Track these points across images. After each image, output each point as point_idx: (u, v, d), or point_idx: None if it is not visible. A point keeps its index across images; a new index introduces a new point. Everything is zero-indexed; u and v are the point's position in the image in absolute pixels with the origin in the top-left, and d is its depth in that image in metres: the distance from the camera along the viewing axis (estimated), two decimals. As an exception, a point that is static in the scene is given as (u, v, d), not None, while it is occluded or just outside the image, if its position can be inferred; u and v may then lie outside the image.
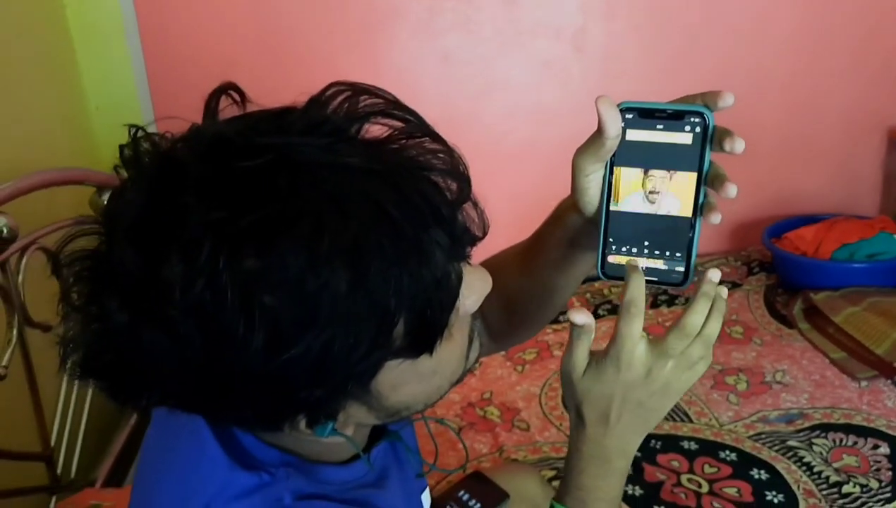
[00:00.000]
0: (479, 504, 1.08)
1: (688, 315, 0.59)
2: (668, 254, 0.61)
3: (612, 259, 0.62)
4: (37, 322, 1.27)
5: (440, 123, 2.15)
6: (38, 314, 1.27)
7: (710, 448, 1.53)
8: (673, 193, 0.60)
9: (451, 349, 0.54)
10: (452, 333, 0.53)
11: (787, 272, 2.19)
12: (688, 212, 0.60)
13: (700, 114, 0.58)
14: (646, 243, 0.61)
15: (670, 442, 1.56)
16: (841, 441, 1.52)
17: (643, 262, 0.62)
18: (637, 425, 0.63)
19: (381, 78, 2.51)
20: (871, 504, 1.34)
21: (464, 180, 0.51)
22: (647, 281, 0.61)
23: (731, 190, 0.59)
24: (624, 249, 0.62)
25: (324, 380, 0.45)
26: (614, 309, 2.17)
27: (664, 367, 0.59)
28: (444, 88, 2.23)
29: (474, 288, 0.54)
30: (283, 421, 0.50)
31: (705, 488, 1.41)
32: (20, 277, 1.23)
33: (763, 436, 1.55)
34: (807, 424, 1.58)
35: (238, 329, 0.41)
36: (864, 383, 1.71)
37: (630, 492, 1.41)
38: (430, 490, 1.26)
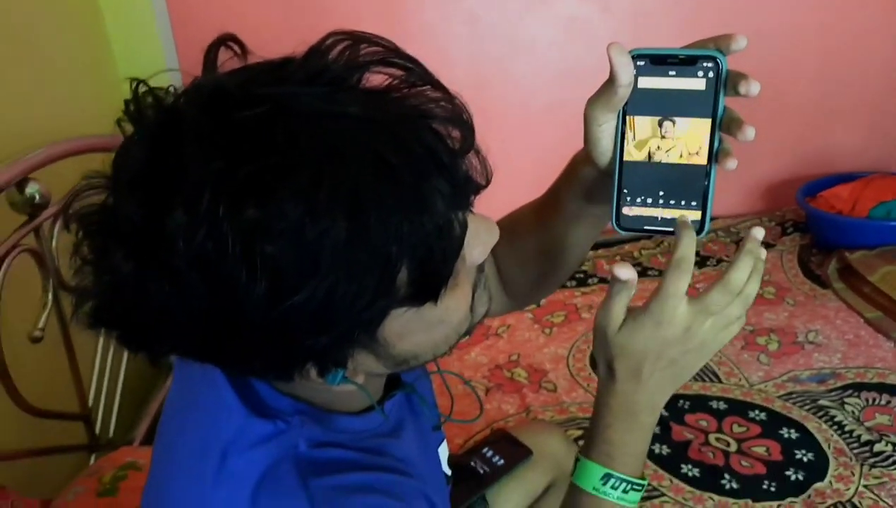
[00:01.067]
0: (502, 461, 1.09)
1: (732, 271, 0.57)
2: (683, 203, 0.59)
3: (626, 211, 0.60)
4: (71, 286, 1.31)
5: (468, 84, 2.14)
6: (68, 279, 1.31)
7: (739, 408, 1.52)
8: (687, 141, 0.58)
9: (458, 299, 0.54)
10: (459, 282, 0.53)
11: (821, 231, 2.15)
12: (703, 160, 0.58)
13: (713, 59, 0.56)
14: (661, 193, 0.59)
15: (699, 402, 1.55)
16: (874, 400, 1.50)
17: (659, 213, 0.60)
18: (668, 382, 0.63)
19: (408, 39, 2.49)
20: (903, 462, 1.32)
21: (466, 128, 0.50)
22: (664, 233, 0.60)
23: (749, 132, 0.56)
24: (639, 200, 0.60)
25: (329, 328, 0.46)
26: (644, 272, 2.16)
27: (703, 324, 0.58)
28: (472, 49, 2.21)
29: (480, 239, 0.54)
30: (293, 369, 0.50)
31: (734, 447, 1.41)
32: (54, 242, 1.26)
33: (794, 396, 1.54)
34: (839, 384, 1.56)
35: (241, 277, 0.42)
36: (899, 342, 1.68)
37: (657, 451, 1.41)
38: (457, 449, 1.27)
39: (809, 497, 1.26)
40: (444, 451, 0.79)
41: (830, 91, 2.33)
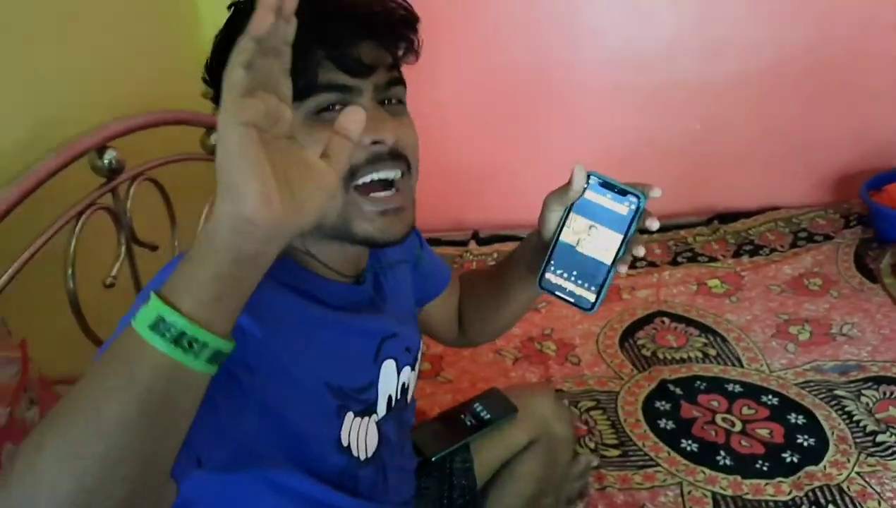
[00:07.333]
0: (489, 415, 1.20)
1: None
2: (586, 285, 0.77)
3: (548, 275, 0.79)
4: (144, 241, 1.51)
5: (530, 68, 2.31)
6: (145, 237, 1.51)
7: (753, 392, 1.56)
8: (603, 244, 0.77)
9: (313, 140, 0.68)
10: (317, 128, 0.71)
11: (882, 226, 2.10)
12: (609, 261, 0.77)
13: (637, 197, 0.76)
14: (574, 272, 0.78)
15: (715, 384, 1.60)
16: (892, 394, 1.49)
17: (569, 286, 0.78)
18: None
19: (472, 20, 2.59)
20: (901, 454, 1.33)
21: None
22: (566, 301, 0.78)
23: (653, 225, 0.77)
24: (559, 272, 0.79)
25: None
26: (694, 257, 2.18)
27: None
28: (535, 32, 2.28)
29: (374, 127, 0.70)
30: None
31: (738, 427, 1.45)
32: (129, 203, 1.47)
33: (811, 384, 1.56)
34: (861, 376, 1.56)
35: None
36: (938, 340, 1.65)
37: (662, 426, 1.48)
38: (449, 406, 1.36)
39: (799, 478, 1.30)
40: (406, 376, 0.91)
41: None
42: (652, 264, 2.18)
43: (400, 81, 0.77)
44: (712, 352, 1.72)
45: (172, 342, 0.48)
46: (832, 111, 2.29)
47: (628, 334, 1.84)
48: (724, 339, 1.77)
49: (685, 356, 1.72)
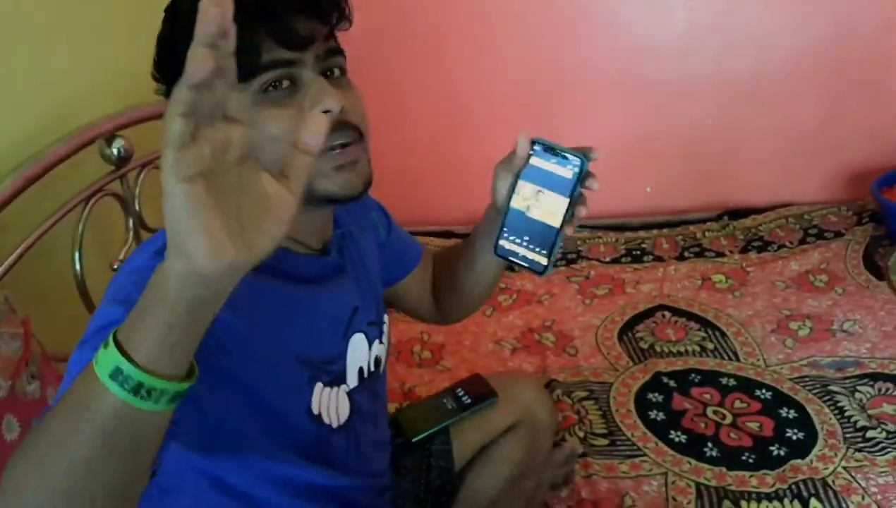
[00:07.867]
0: (470, 400, 1.22)
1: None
2: (537, 249, 0.81)
3: (502, 242, 0.83)
4: (152, 227, 1.57)
5: (545, 63, 2.34)
6: (154, 223, 1.57)
7: (747, 386, 1.56)
8: (550, 208, 0.80)
9: (277, 117, 0.72)
10: (286, 105, 0.73)
11: (894, 223, 2.07)
12: (556, 224, 0.80)
13: (580, 159, 0.78)
14: (526, 237, 0.82)
15: (710, 377, 1.60)
16: (886, 390, 1.49)
17: (522, 251, 0.82)
18: None
19: (489, 16, 2.60)
20: (889, 449, 1.33)
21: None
22: (520, 265, 0.82)
23: (594, 184, 0.80)
24: (512, 238, 0.82)
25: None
26: (701, 252, 2.18)
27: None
28: (550, 27, 2.30)
29: (319, 97, 0.73)
30: None
31: (728, 420, 1.46)
32: (137, 189, 1.52)
33: (805, 380, 1.56)
34: (857, 372, 1.56)
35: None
36: (940, 339, 1.63)
37: (652, 417, 1.49)
38: (436, 391, 1.39)
39: (783, 471, 1.31)
40: (377, 349, 0.94)
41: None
42: (658, 259, 2.18)
43: (339, 51, 0.79)
44: (710, 346, 1.73)
45: (131, 391, 0.49)
46: (847, 108, 2.27)
47: (628, 327, 1.85)
48: (723, 334, 1.77)
49: (682, 349, 1.73)
